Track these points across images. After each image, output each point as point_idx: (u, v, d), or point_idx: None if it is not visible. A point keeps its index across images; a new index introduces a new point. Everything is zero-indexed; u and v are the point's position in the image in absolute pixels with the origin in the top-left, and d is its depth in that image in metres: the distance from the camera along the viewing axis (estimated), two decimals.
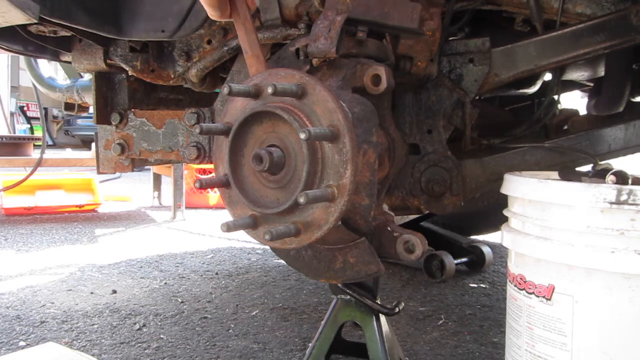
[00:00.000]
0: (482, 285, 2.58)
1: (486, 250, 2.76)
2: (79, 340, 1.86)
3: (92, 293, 2.40)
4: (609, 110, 1.78)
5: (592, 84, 2.24)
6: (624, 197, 0.96)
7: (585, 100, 2.09)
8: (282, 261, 2.03)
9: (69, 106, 2.68)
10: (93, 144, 3.04)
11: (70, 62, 1.80)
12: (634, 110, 1.79)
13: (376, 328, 1.41)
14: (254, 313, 2.15)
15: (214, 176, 1.16)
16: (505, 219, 1.22)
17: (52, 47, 1.77)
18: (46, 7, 1.26)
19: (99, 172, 1.86)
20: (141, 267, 2.89)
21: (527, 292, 1.10)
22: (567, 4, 1.43)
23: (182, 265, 2.93)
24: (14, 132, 7.84)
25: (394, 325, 1.97)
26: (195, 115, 1.58)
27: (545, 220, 1.07)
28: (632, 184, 1.02)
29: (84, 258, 3.06)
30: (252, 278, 2.66)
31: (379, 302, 1.41)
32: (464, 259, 2.74)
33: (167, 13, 1.41)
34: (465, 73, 1.49)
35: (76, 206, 4.75)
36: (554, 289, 1.04)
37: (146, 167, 4.86)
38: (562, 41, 1.42)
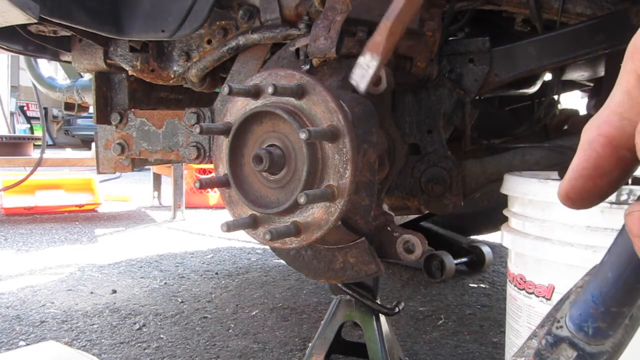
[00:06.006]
0: (482, 285, 2.58)
1: (486, 250, 2.75)
2: (79, 340, 1.86)
3: (92, 293, 2.40)
4: None
5: (592, 84, 2.24)
6: (624, 197, 0.96)
7: (585, 100, 2.09)
8: (282, 261, 2.02)
9: (69, 106, 2.67)
10: (93, 144, 3.04)
11: (70, 62, 1.80)
12: None
13: (376, 328, 1.41)
14: (254, 313, 2.15)
15: (214, 176, 1.16)
16: (505, 219, 1.22)
17: (52, 47, 1.77)
18: (46, 7, 1.26)
19: (99, 172, 1.86)
20: (141, 267, 2.88)
21: (527, 292, 1.10)
22: (567, 4, 1.43)
23: (182, 265, 2.93)
24: (14, 132, 7.84)
25: (394, 325, 1.97)
26: (195, 115, 1.58)
27: (545, 220, 1.07)
28: (632, 184, 1.02)
29: (84, 258, 3.06)
30: (252, 278, 2.66)
31: (379, 302, 1.41)
32: (464, 259, 2.74)
33: (167, 13, 1.40)
34: (465, 73, 1.49)
35: (76, 206, 4.75)
36: (554, 289, 1.04)
37: (146, 167, 4.85)
38: (562, 41, 1.42)
